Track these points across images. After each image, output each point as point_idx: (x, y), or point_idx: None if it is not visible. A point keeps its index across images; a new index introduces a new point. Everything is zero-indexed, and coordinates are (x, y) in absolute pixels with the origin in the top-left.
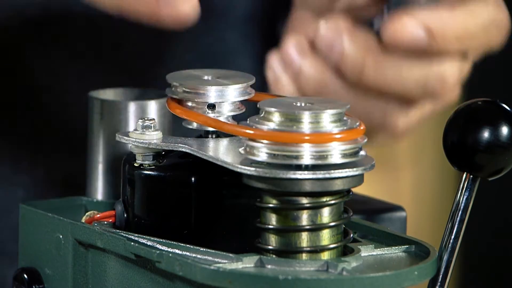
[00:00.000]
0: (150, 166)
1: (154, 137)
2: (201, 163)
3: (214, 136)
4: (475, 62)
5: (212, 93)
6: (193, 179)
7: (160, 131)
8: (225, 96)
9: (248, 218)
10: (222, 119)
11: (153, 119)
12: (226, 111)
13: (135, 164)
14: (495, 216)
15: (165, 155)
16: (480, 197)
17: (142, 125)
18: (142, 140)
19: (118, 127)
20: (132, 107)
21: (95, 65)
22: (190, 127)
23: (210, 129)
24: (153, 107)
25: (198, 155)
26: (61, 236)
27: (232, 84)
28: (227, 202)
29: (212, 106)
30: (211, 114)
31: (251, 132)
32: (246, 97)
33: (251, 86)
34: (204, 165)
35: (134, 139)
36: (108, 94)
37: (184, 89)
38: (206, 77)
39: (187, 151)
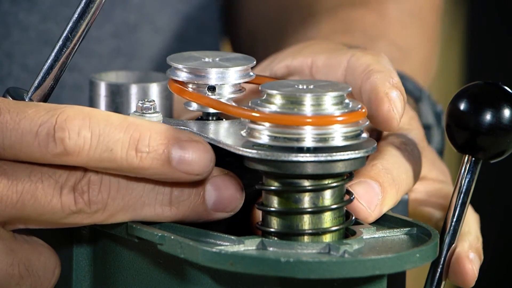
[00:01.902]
0: None
1: (154, 119)
2: None
3: (214, 119)
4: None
5: (213, 75)
6: None
7: (160, 113)
8: (226, 78)
9: (250, 200)
10: (222, 101)
11: (153, 100)
12: (226, 93)
13: None
14: (499, 198)
15: None
16: (484, 181)
17: (142, 107)
18: None
19: (120, 109)
20: (134, 89)
21: None
22: (191, 108)
23: (211, 111)
24: (155, 90)
25: None
26: None
27: (233, 66)
28: None
29: (212, 88)
30: (211, 96)
31: (255, 114)
32: (247, 79)
33: (252, 68)
34: None
35: None
36: (110, 76)
37: (185, 71)
38: (207, 59)
39: None
